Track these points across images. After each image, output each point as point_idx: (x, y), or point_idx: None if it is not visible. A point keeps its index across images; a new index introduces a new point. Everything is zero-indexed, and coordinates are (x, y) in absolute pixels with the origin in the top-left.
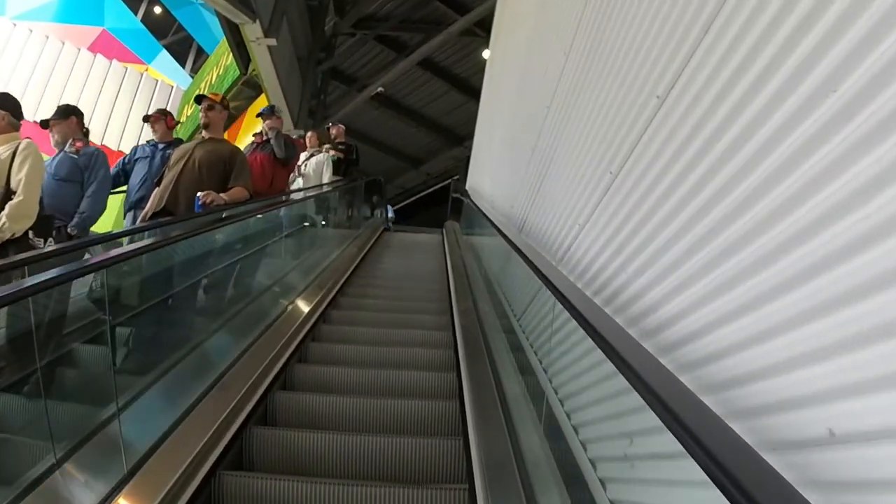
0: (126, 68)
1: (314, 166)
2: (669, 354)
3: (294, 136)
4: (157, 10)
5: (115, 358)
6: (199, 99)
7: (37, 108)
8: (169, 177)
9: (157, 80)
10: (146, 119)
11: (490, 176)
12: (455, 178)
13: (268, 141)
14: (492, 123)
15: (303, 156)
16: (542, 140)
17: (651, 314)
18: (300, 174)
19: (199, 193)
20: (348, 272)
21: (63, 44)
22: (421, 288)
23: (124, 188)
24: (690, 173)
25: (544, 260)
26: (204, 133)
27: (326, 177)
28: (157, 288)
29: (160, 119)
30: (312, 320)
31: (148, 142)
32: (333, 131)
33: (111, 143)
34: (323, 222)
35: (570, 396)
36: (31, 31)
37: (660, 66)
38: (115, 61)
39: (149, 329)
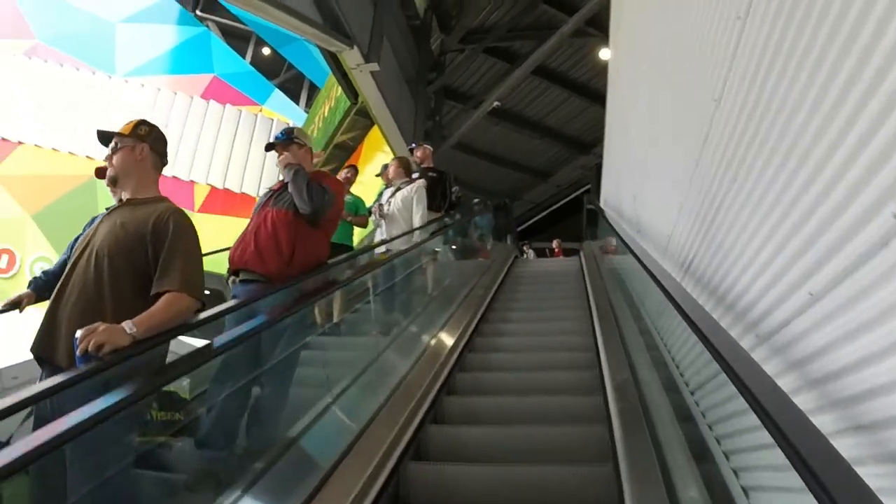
0: (240, 111)
1: (401, 204)
2: None
3: (344, 172)
4: (266, 51)
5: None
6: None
7: (174, 163)
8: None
9: (272, 120)
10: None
11: (631, 192)
12: (586, 188)
13: (285, 188)
14: (625, 128)
15: (386, 193)
16: (709, 147)
17: None
18: (381, 216)
19: (77, 333)
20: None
21: (175, 94)
22: (559, 360)
23: None
24: None
25: (741, 353)
26: (122, 193)
27: (417, 218)
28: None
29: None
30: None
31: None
32: (418, 153)
33: (233, 185)
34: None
35: None
36: (142, 85)
37: None
38: (228, 105)
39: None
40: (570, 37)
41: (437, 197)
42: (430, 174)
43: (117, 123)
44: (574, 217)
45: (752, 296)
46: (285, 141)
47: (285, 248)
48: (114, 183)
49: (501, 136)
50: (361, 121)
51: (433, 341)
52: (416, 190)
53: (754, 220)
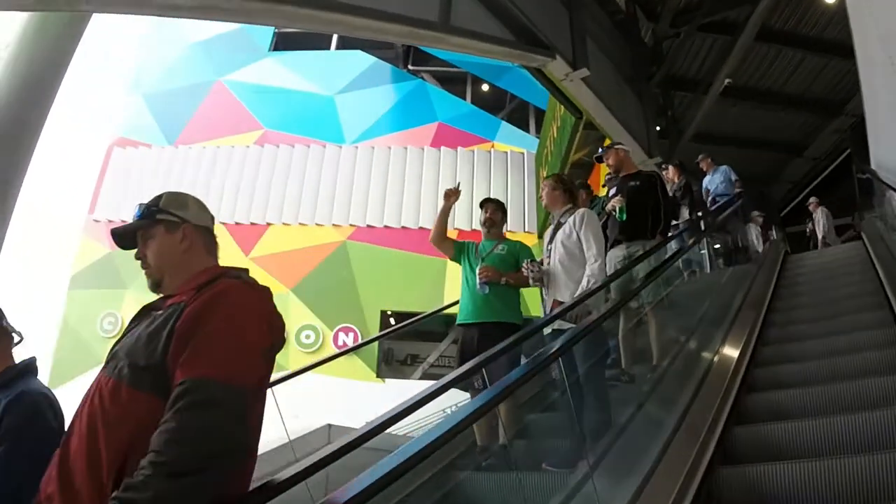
0: (473, 151)
1: (562, 250)
2: None
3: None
4: (485, 87)
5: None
6: None
7: (418, 214)
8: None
9: (506, 153)
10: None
11: None
12: (845, 154)
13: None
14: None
15: (546, 235)
16: None
17: None
18: (535, 278)
19: None
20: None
21: (406, 149)
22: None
23: None
24: None
25: None
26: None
27: (592, 268)
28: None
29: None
30: None
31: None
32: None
33: (475, 225)
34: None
35: None
36: (373, 148)
37: None
38: (460, 148)
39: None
40: None
41: (645, 215)
42: (632, 183)
43: (358, 188)
44: (839, 189)
45: None
46: (146, 223)
47: None
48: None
49: (741, 117)
50: (593, 134)
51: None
52: (581, 221)
53: None
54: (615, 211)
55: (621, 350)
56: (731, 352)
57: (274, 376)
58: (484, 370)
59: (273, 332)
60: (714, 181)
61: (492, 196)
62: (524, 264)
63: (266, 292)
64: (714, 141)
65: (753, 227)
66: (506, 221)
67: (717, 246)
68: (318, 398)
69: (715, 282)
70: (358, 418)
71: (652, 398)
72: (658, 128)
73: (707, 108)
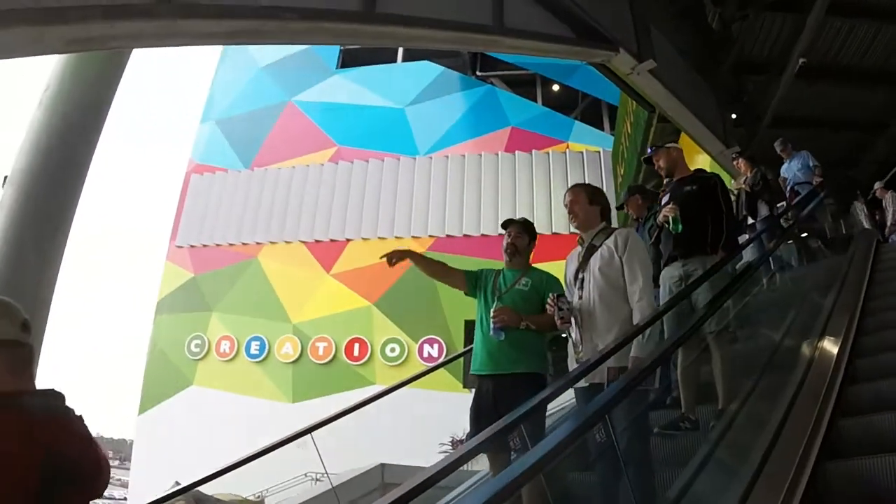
0: (548, 154)
1: (600, 279)
2: None
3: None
4: (555, 87)
5: None
6: None
7: (496, 220)
8: None
9: (581, 152)
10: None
11: None
12: None
13: None
14: None
15: (570, 264)
16: None
17: None
18: (562, 318)
19: None
20: None
21: (480, 156)
22: None
23: None
24: None
25: None
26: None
27: (641, 304)
28: None
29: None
30: None
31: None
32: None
33: (561, 229)
34: None
35: None
36: (447, 157)
37: None
38: (534, 151)
39: None
40: None
41: (703, 226)
42: (688, 188)
43: (435, 198)
44: None
45: None
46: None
47: None
48: None
49: (819, 97)
50: (668, 127)
51: None
52: (624, 244)
53: None
54: (668, 222)
55: (681, 389)
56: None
57: (364, 392)
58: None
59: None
60: (791, 169)
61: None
62: (549, 299)
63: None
64: (793, 125)
65: (859, 205)
66: (533, 246)
67: (805, 235)
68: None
69: (802, 279)
70: (444, 430)
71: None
72: (734, 116)
73: (783, 91)
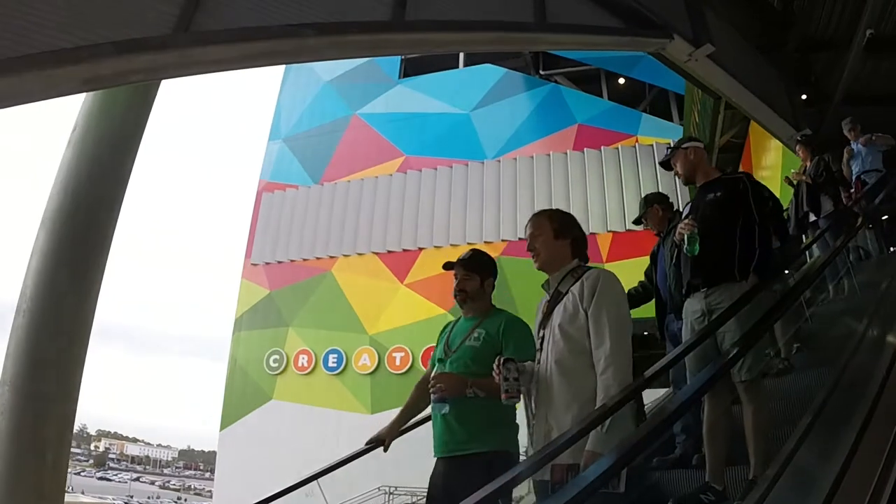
0: (617, 149)
1: (560, 340)
2: None
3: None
4: (621, 81)
5: None
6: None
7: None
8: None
9: (651, 145)
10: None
11: None
12: None
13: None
14: None
15: (538, 314)
16: None
17: None
18: (509, 392)
19: None
20: None
21: (549, 156)
22: None
23: None
24: None
25: None
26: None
27: (605, 377)
28: None
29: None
30: None
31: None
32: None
33: (629, 224)
34: None
35: None
36: (515, 159)
37: None
38: (603, 148)
39: None
40: None
41: (730, 243)
42: (710, 195)
43: (505, 201)
44: None
45: None
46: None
47: None
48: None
49: (891, 72)
50: (737, 114)
51: None
52: (591, 292)
53: None
54: (684, 241)
55: (707, 449)
56: None
57: None
58: None
59: None
60: (857, 158)
61: (647, 193)
62: (496, 363)
63: None
64: (865, 102)
65: None
66: (492, 282)
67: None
68: None
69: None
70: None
71: None
72: (804, 97)
73: (852, 67)
